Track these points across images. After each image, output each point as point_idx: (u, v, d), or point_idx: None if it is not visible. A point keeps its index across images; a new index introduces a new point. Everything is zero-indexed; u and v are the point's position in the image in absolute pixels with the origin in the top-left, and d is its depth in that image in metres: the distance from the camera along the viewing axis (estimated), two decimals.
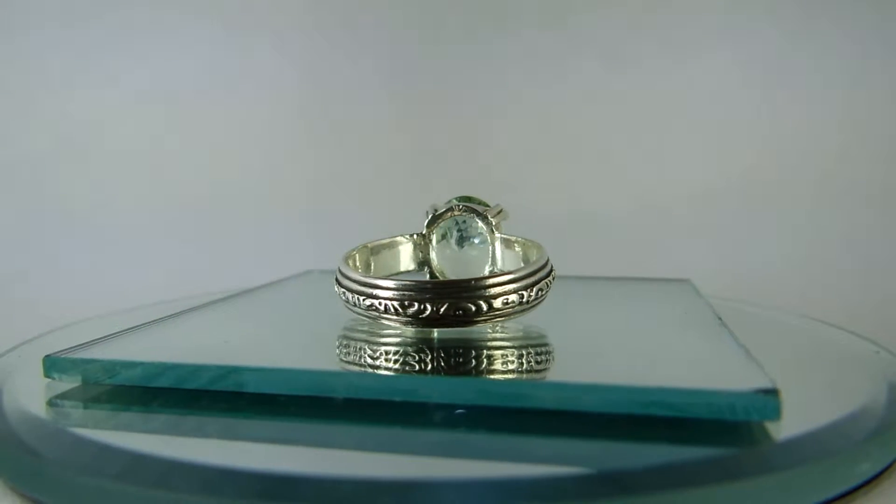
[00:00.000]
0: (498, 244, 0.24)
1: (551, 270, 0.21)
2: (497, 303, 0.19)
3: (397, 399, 0.17)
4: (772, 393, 0.15)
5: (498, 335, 0.21)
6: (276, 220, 0.44)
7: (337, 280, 0.21)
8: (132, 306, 0.29)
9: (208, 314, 0.25)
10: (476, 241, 0.23)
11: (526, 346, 0.21)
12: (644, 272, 0.35)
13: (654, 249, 0.43)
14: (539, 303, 0.20)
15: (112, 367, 0.18)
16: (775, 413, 0.15)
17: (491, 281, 0.19)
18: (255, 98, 0.44)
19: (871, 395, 0.18)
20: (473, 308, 0.19)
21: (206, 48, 0.44)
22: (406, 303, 0.19)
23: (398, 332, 0.21)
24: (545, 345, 0.21)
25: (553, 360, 0.20)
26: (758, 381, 0.16)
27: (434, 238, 0.23)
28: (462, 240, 0.23)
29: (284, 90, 0.44)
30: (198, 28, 0.43)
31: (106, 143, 0.43)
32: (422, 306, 0.19)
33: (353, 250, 0.23)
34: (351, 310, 0.21)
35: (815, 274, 0.42)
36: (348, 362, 0.19)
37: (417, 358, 0.19)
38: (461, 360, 0.19)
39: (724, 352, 0.19)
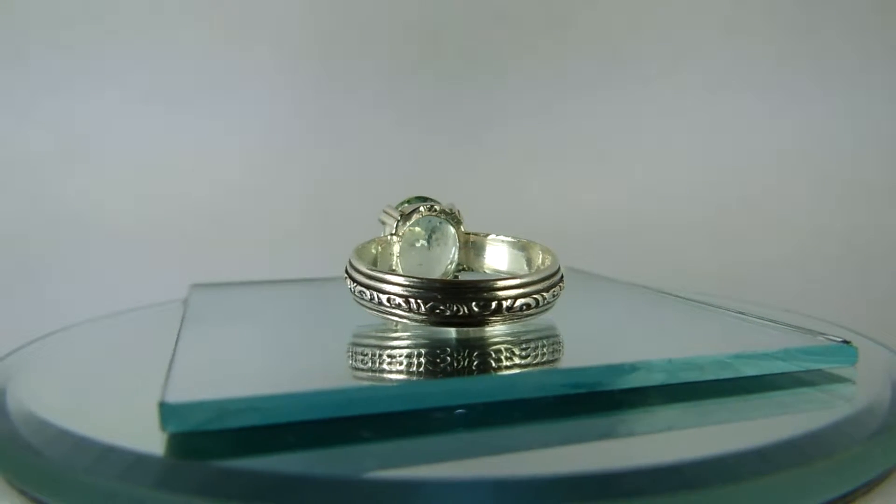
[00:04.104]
0: (495, 246, 0.24)
1: (562, 276, 0.21)
2: (506, 305, 0.19)
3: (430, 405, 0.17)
4: (849, 343, 0.19)
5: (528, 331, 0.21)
6: (276, 221, 0.44)
7: (347, 273, 0.21)
8: (132, 307, 0.29)
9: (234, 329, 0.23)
10: (443, 240, 0.24)
11: (551, 336, 0.21)
12: (644, 272, 0.35)
13: (654, 249, 0.43)
14: (549, 308, 0.21)
15: (261, 403, 0.16)
16: (854, 359, 0.19)
17: (501, 283, 0.19)
18: (256, 98, 0.44)
19: (872, 394, 0.18)
20: (483, 309, 0.19)
21: (205, 48, 0.44)
22: (416, 300, 0.19)
23: (407, 334, 0.21)
24: (557, 335, 0.21)
25: (615, 347, 0.21)
26: (819, 339, 0.20)
27: (404, 238, 0.23)
28: (431, 239, 0.24)
29: (285, 91, 0.44)
30: (198, 27, 0.43)
31: (106, 142, 0.43)
32: (430, 305, 0.19)
33: (362, 245, 0.23)
34: (360, 304, 0.21)
35: (815, 274, 0.42)
36: (396, 372, 0.19)
37: (442, 360, 0.19)
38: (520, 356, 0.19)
39: (742, 323, 0.22)
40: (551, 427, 0.17)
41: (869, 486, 0.16)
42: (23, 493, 0.16)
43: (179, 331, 0.22)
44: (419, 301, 0.19)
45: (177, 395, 0.15)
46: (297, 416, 0.16)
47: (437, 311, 0.19)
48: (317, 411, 0.16)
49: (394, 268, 0.24)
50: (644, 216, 0.44)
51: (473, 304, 0.19)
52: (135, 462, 0.14)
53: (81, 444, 0.15)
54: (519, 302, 0.19)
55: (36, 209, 0.42)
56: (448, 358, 0.19)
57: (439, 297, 0.19)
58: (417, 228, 0.23)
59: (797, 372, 0.19)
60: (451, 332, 0.21)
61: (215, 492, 0.13)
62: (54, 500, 0.15)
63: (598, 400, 0.17)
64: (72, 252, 0.42)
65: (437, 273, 0.24)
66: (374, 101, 0.45)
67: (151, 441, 0.15)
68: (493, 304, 0.19)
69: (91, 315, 0.28)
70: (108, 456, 0.15)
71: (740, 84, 0.44)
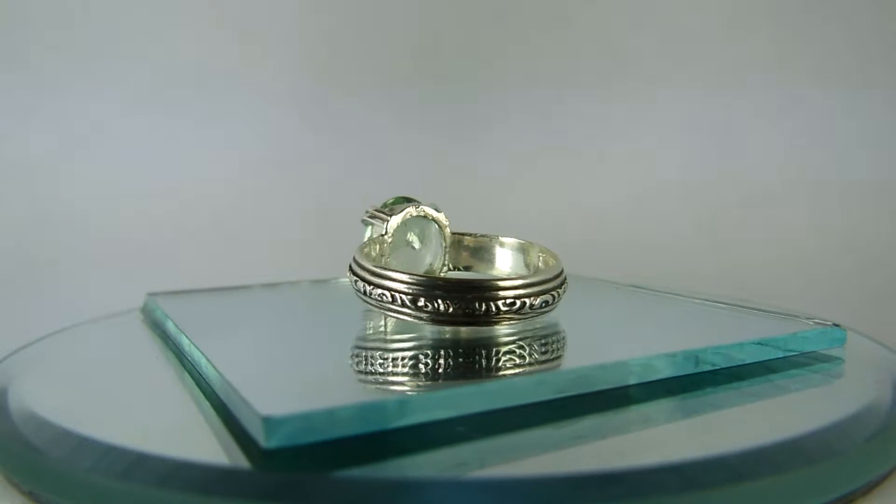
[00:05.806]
0: (489, 246, 0.24)
1: (565, 278, 0.21)
2: (528, 303, 0.19)
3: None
4: (837, 325, 0.21)
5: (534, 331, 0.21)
6: (276, 222, 0.44)
7: (354, 273, 0.21)
8: (132, 308, 0.29)
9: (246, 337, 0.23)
10: (429, 240, 0.24)
11: (557, 333, 0.21)
12: (644, 272, 0.35)
13: (654, 249, 0.43)
14: (551, 309, 0.21)
15: (363, 412, 0.15)
16: (843, 340, 0.21)
17: (522, 282, 0.20)
18: (256, 99, 0.44)
19: (872, 394, 0.18)
20: (510, 308, 0.19)
21: (205, 48, 0.44)
22: (444, 300, 0.19)
23: (410, 335, 0.21)
24: (560, 332, 0.21)
25: (628, 342, 0.21)
26: (811, 323, 0.21)
27: (393, 238, 0.24)
28: (418, 239, 0.24)
29: (285, 92, 0.44)
30: (198, 28, 0.43)
31: (106, 143, 0.43)
32: (433, 303, 0.19)
33: (364, 245, 0.23)
34: (362, 299, 0.21)
35: (815, 274, 0.42)
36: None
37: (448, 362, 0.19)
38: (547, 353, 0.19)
39: (736, 315, 0.23)
40: (550, 427, 0.17)
41: (869, 486, 0.16)
42: (24, 492, 0.16)
43: (188, 341, 0.21)
44: (447, 301, 0.19)
45: (274, 409, 0.14)
46: (398, 423, 0.15)
47: (467, 310, 0.19)
48: (417, 415, 0.15)
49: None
50: (644, 216, 0.44)
51: (500, 302, 0.19)
52: (136, 461, 0.14)
53: (83, 444, 0.15)
54: (538, 300, 0.20)
55: (36, 210, 0.42)
56: (476, 356, 0.19)
57: (468, 297, 0.19)
58: (405, 228, 0.24)
59: (792, 356, 0.20)
60: (447, 331, 0.21)
61: (215, 491, 0.13)
62: (56, 499, 0.15)
63: (596, 399, 0.17)
64: (72, 252, 0.42)
65: (422, 272, 0.24)
66: (374, 101, 0.45)
67: (152, 440, 0.15)
68: (518, 303, 0.19)
69: (91, 315, 0.28)
70: (109, 455, 0.15)
71: (741, 84, 0.44)
